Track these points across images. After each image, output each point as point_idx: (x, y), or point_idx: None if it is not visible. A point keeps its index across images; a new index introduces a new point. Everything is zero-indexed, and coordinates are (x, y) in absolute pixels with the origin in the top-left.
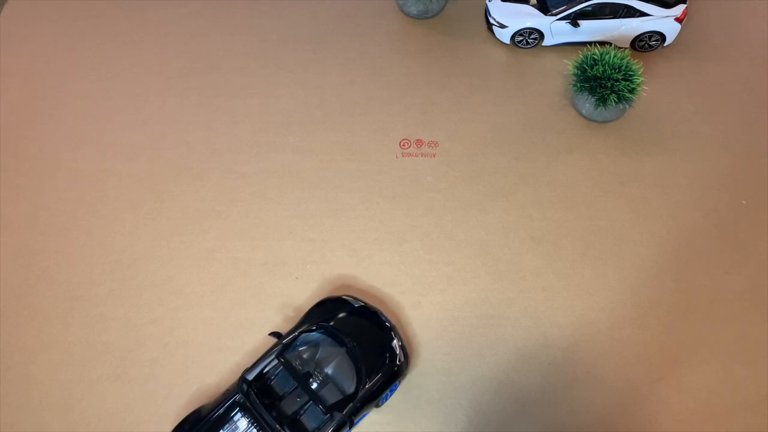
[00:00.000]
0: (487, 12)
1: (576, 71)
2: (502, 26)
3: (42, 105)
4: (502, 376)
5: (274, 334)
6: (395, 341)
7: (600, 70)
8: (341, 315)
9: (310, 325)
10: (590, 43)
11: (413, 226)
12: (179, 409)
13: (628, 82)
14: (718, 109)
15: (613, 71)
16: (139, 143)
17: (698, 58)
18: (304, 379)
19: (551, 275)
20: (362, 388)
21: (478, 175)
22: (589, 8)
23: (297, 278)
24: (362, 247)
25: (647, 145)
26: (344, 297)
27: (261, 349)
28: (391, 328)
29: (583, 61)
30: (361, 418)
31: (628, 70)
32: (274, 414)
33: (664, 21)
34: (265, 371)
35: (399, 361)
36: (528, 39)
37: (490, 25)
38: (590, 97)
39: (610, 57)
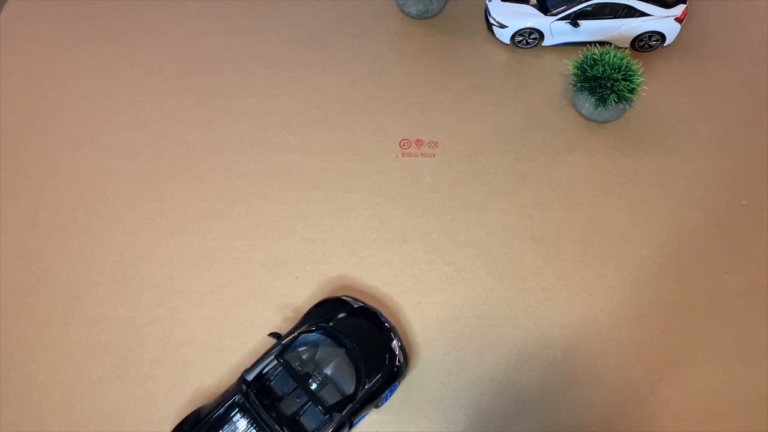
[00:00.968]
0: (487, 12)
1: (576, 71)
2: (502, 26)
3: (42, 105)
4: (502, 376)
5: (273, 334)
6: (395, 342)
7: (600, 70)
8: (341, 315)
9: (310, 326)
10: (590, 43)
11: (413, 226)
12: (179, 409)
13: (628, 82)
14: (718, 109)
15: (613, 71)
16: (139, 143)
17: (698, 58)
18: (303, 379)
19: (551, 275)
20: (362, 389)
21: (478, 175)
22: (589, 8)
23: (297, 278)
24: (362, 247)
25: (647, 145)
26: (344, 297)
27: (261, 349)
28: (391, 329)
29: (583, 61)
30: (360, 419)
31: (628, 70)
32: (273, 415)
33: (664, 21)
34: (264, 372)
35: (398, 361)
36: (528, 39)
37: (490, 25)
38: (590, 97)
39: (610, 57)
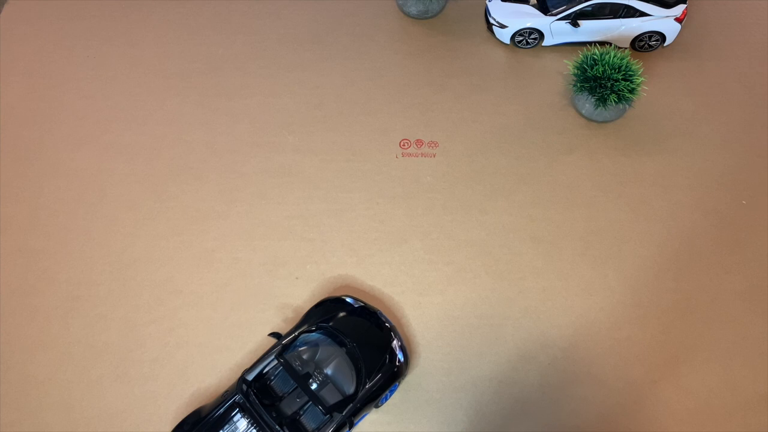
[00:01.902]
0: (487, 12)
1: (576, 71)
2: (502, 26)
3: (42, 105)
4: (502, 376)
5: (273, 334)
6: (395, 342)
7: (600, 70)
8: (341, 315)
9: (310, 326)
10: (590, 43)
11: (413, 226)
12: (179, 409)
13: (628, 82)
14: (718, 109)
15: (613, 71)
16: (139, 143)
17: (698, 58)
18: (303, 379)
19: (551, 275)
20: (362, 389)
21: (478, 175)
22: (589, 8)
23: (297, 278)
24: (362, 247)
25: (647, 145)
26: (344, 297)
27: (261, 349)
28: (391, 329)
29: (583, 61)
30: (360, 419)
31: (628, 70)
32: (273, 414)
33: (664, 21)
34: (264, 372)
35: (398, 361)
36: (528, 39)
37: (490, 25)
38: (590, 97)
39: (610, 57)
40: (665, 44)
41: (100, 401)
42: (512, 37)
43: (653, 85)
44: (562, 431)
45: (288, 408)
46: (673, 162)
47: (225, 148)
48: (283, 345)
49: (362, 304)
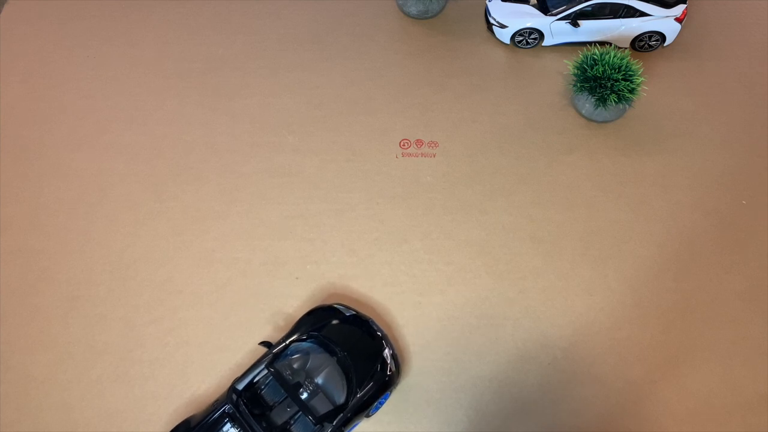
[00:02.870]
0: (487, 12)
1: (576, 71)
2: (502, 26)
3: (42, 105)
4: (502, 376)
5: (264, 343)
6: (386, 350)
7: (600, 70)
8: (332, 324)
9: (301, 335)
10: (590, 43)
11: (413, 226)
12: (179, 409)
13: (628, 82)
14: (718, 109)
15: (613, 71)
16: (139, 143)
17: (698, 58)
18: (294, 389)
19: (551, 275)
20: (353, 398)
21: (478, 175)
22: (589, 8)
23: (297, 278)
24: (362, 247)
25: (647, 145)
26: (335, 306)
27: (259, 350)
28: (383, 337)
29: (583, 61)
30: (351, 429)
31: (628, 70)
32: (263, 424)
33: (664, 21)
34: (255, 381)
35: (390, 370)
36: (528, 39)
37: (490, 25)
38: (590, 97)
39: (610, 57)
40: (665, 44)
41: (100, 401)
42: (512, 37)
43: (653, 85)
44: (562, 431)
45: (278, 418)
46: (673, 162)
47: (225, 148)
48: (273, 354)
49: (354, 312)
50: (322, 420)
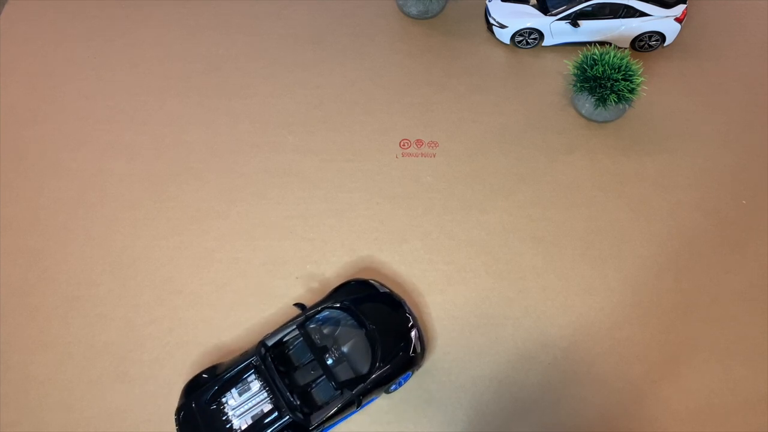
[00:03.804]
0: (487, 12)
1: (576, 71)
2: (502, 26)
3: (42, 105)
4: (502, 375)
5: (298, 305)
6: (414, 332)
7: (600, 70)
8: (366, 297)
9: (334, 302)
10: (590, 43)
11: (413, 226)
12: None
13: (628, 82)
14: (718, 109)
15: (613, 71)
16: (139, 143)
17: (698, 58)
18: (320, 353)
19: (551, 275)
20: (376, 371)
21: (478, 175)
22: (589, 8)
23: (297, 278)
24: (362, 247)
25: (647, 145)
26: (370, 281)
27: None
28: (413, 319)
29: (583, 61)
30: (369, 402)
31: (628, 70)
32: (286, 381)
33: (664, 21)
34: (284, 340)
35: (414, 351)
36: (528, 39)
37: (490, 25)
38: (590, 97)
39: (610, 57)
40: (665, 44)
41: (100, 401)
42: (512, 37)
43: (653, 85)
44: (562, 431)
45: (301, 378)
46: (674, 162)
47: (225, 148)
48: (306, 316)
49: (388, 290)
50: (342, 386)
